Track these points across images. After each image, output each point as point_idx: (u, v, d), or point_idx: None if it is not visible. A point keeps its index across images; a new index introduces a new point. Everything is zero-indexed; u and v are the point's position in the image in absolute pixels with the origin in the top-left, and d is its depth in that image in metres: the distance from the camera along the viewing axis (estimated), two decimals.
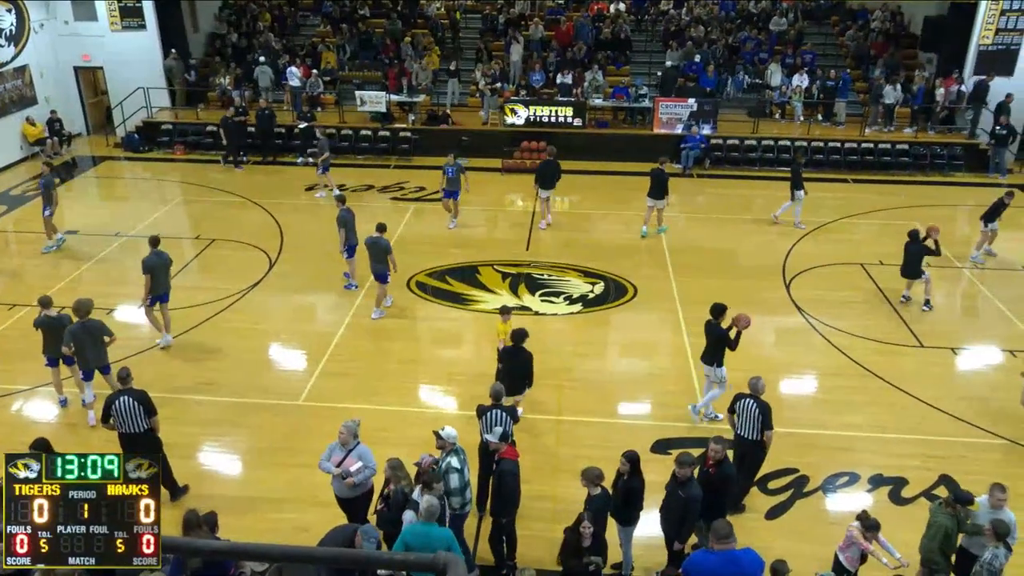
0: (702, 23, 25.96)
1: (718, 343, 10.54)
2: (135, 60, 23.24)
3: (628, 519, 8.12)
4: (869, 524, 7.56)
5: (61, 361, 10.95)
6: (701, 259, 16.03)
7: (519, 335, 10.20)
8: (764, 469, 9.96)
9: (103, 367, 10.79)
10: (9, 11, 21.46)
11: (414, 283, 14.82)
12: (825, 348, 12.91)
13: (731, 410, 9.14)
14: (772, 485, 9.81)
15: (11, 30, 21.59)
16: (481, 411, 8.75)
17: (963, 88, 21.89)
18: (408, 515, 7.22)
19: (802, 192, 17.14)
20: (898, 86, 22.28)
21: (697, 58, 23.81)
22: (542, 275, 15.32)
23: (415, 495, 7.42)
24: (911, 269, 13.96)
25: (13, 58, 21.74)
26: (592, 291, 14.76)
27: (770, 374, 12.04)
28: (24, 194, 19.78)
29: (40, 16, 22.62)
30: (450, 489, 7.82)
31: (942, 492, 9.44)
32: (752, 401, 8.86)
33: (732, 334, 10.41)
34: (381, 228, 13.45)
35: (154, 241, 12.69)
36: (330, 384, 11.81)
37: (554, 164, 17.36)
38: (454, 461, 7.91)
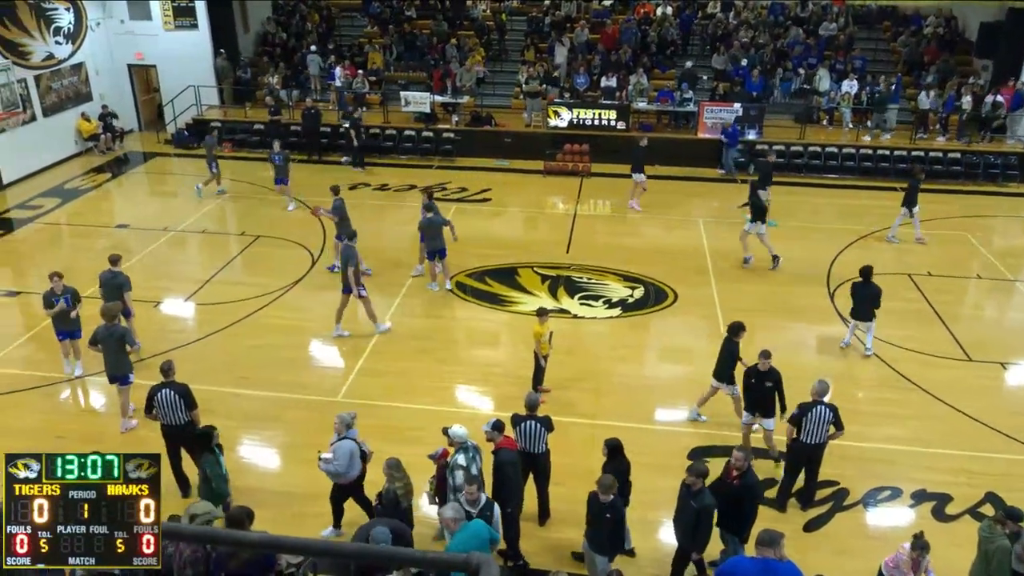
0: (750, 26, 25.66)
1: (730, 360, 10.42)
2: (187, 58, 23.75)
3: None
4: (919, 544, 7.18)
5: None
6: (743, 265, 15.81)
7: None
8: (802, 481, 9.84)
9: (123, 378, 10.60)
10: (68, 10, 22.06)
11: (454, 283, 14.88)
12: (869, 359, 12.65)
13: (797, 421, 9.00)
14: (818, 495, 9.63)
15: (69, 28, 22.20)
16: (516, 421, 8.74)
17: (999, 98, 21.33)
18: (448, 511, 7.17)
19: (916, 208, 16.54)
20: (932, 93, 21.80)
21: (744, 62, 23.54)
22: (582, 278, 15.27)
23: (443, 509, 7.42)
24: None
25: (70, 55, 22.35)
26: (632, 295, 14.67)
27: (811, 383, 11.88)
28: (78, 188, 20.31)
29: (97, 15, 23.23)
30: (455, 486, 7.93)
31: (988, 511, 9.19)
32: (823, 407, 8.94)
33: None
34: (428, 207, 14.32)
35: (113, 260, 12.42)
36: (368, 382, 11.91)
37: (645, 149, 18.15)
38: (460, 459, 8.01)
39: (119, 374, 10.62)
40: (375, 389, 11.68)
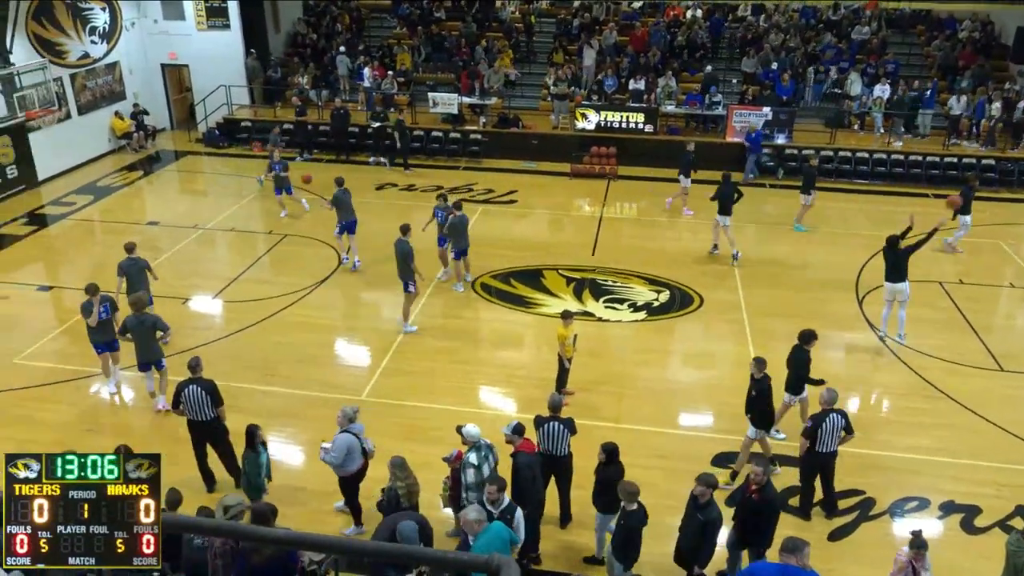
0: (780, 30, 25.45)
1: (801, 370, 10.15)
2: (218, 58, 24.02)
3: (605, 507, 8.22)
4: (917, 543, 7.09)
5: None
6: (771, 270, 15.69)
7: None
8: None
9: (156, 362, 11.05)
10: (103, 10, 22.42)
11: (479, 284, 14.91)
12: (896, 367, 12.49)
13: (812, 434, 8.88)
14: (841, 504, 9.52)
15: (104, 28, 22.56)
16: (539, 422, 8.73)
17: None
18: (472, 513, 7.17)
19: (968, 218, 16.36)
20: (963, 98, 21.45)
21: (774, 66, 23.35)
22: (607, 281, 15.23)
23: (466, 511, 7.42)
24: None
25: (105, 55, 22.71)
26: (657, 299, 14.60)
27: (839, 392, 11.74)
28: (111, 185, 20.62)
29: (132, 15, 23.58)
30: (467, 484, 8.01)
31: (1018, 523, 9.03)
32: (836, 415, 8.87)
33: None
34: (457, 206, 14.60)
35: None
36: (392, 381, 11.97)
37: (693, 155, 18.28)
38: (472, 457, 8.06)
39: (153, 359, 11.03)
40: (399, 388, 11.73)
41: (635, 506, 7.47)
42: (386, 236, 15.85)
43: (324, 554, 6.95)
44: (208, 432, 9.43)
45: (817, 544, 8.82)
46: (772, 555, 8.01)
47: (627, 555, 7.66)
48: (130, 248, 12.55)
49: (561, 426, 8.61)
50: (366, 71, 23.92)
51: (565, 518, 9.14)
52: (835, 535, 9.14)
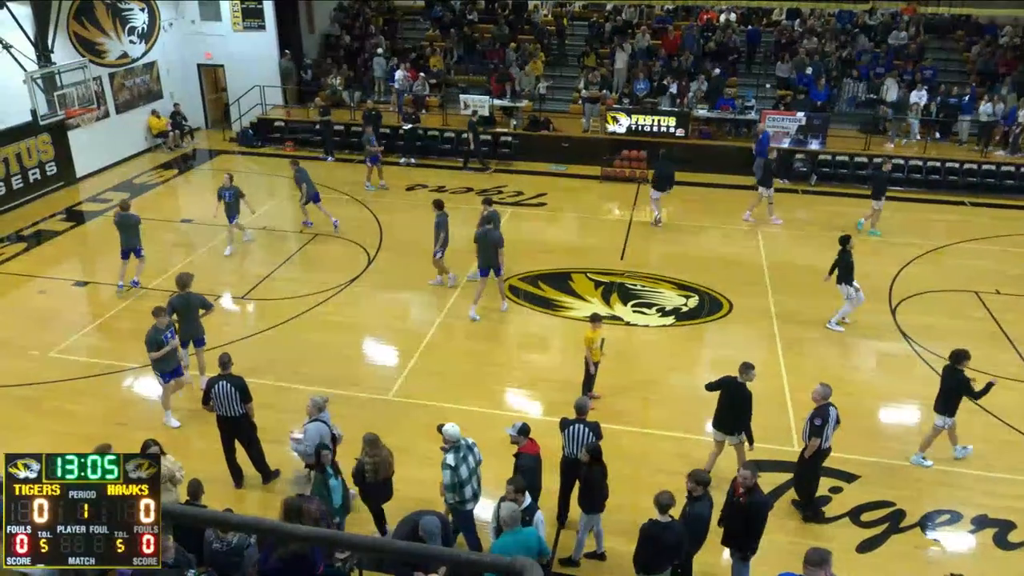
0: (815, 34, 25.17)
1: (957, 392, 9.76)
2: (253, 59, 24.32)
3: (589, 507, 8.23)
4: None
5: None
6: (802, 277, 15.49)
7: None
8: (857, 500, 9.63)
9: (197, 339, 11.62)
10: (142, 10, 22.79)
11: (507, 287, 14.91)
12: (929, 378, 12.24)
13: (821, 432, 8.92)
14: (866, 517, 9.40)
15: (143, 28, 22.93)
16: (564, 424, 8.72)
17: None
18: (505, 510, 7.13)
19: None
20: (997, 104, 21.07)
21: (809, 70, 23.10)
22: (635, 285, 15.16)
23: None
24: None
25: (143, 55, 23.08)
26: (686, 304, 14.50)
27: (869, 401, 11.63)
28: (147, 183, 20.94)
29: (169, 16, 23.94)
30: (444, 485, 8.11)
31: None
32: (834, 408, 8.99)
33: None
34: (488, 202, 14.75)
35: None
36: (419, 381, 12.01)
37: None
38: (449, 458, 8.08)
39: (197, 336, 11.62)
40: (426, 389, 11.77)
41: (667, 519, 7.32)
42: (414, 234, 15.95)
43: (348, 552, 6.98)
44: (236, 428, 9.53)
45: (845, 555, 8.73)
46: (758, 560, 7.98)
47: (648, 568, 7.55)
48: (125, 206, 14.67)
49: (586, 429, 8.57)
50: (398, 73, 24.06)
51: None
52: (863, 547, 9.00)
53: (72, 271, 16.06)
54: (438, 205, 14.60)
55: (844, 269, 13.21)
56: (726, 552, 8.21)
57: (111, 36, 21.79)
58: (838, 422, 9.06)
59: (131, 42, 22.57)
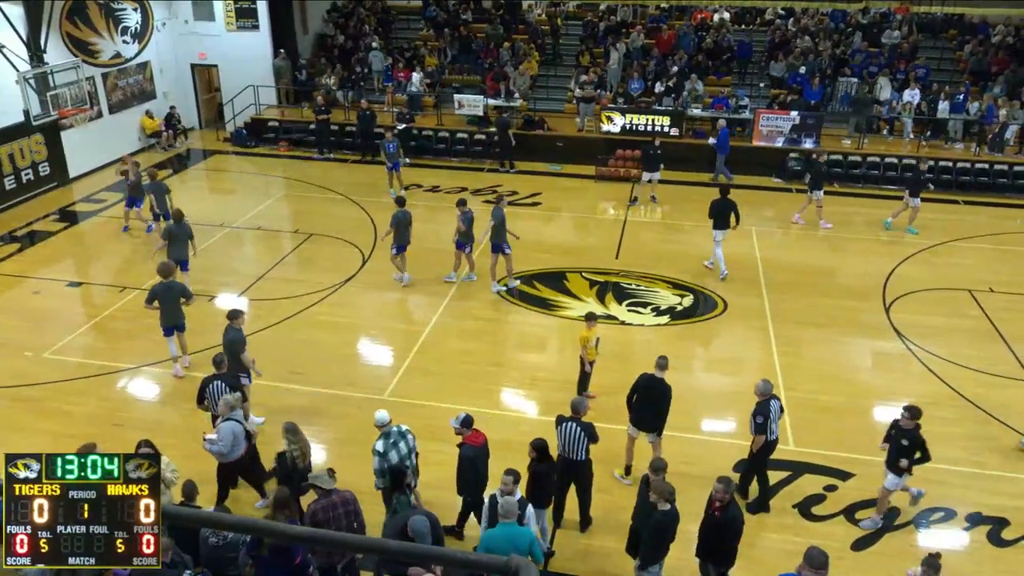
0: (809, 34, 25.23)
1: (908, 450, 8.96)
2: (247, 59, 24.27)
3: (534, 501, 8.23)
4: (932, 564, 6.95)
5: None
6: (796, 276, 15.56)
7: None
8: (852, 498, 9.65)
9: (178, 325, 11.86)
10: (135, 10, 22.73)
11: (502, 286, 14.91)
12: (924, 376, 12.33)
13: (764, 428, 9.07)
14: (860, 515, 9.43)
15: (136, 28, 22.87)
16: (558, 421, 8.74)
17: None
18: (507, 504, 7.19)
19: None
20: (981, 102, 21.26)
21: (802, 70, 23.15)
22: (630, 285, 15.18)
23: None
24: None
25: (137, 55, 23.02)
26: (681, 303, 14.53)
27: (864, 400, 11.67)
28: (141, 183, 20.84)
29: (163, 15, 23.88)
30: (374, 470, 8.28)
31: None
32: (776, 401, 9.16)
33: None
34: (499, 199, 15.38)
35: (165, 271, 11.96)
36: (415, 381, 12.01)
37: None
38: (379, 445, 8.28)
39: (179, 323, 11.86)
40: (421, 388, 11.77)
41: (668, 506, 7.47)
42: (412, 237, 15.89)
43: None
44: None
45: (840, 553, 8.75)
46: (754, 559, 8.00)
47: (654, 554, 7.63)
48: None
49: (578, 428, 8.57)
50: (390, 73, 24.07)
51: (585, 522, 9.12)
52: (858, 544, 9.04)
53: (66, 272, 16.01)
54: (461, 203, 14.70)
55: (719, 216, 15.24)
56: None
57: (104, 36, 21.73)
58: (782, 411, 9.33)
59: (124, 42, 22.51)
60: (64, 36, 20.23)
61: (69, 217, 18.76)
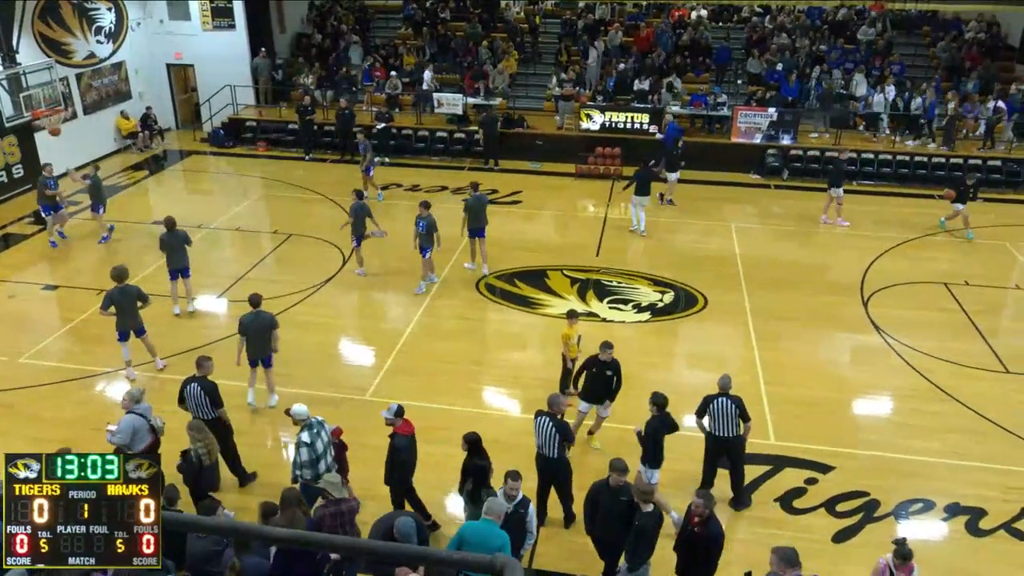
0: (786, 31, 25.41)
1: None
2: (224, 58, 24.05)
3: (473, 498, 8.27)
4: (903, 553, 7.01)
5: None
6: (775, 272, 15.67)
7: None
8: (833, 491, 9.73)
9: (137, 329, 11.73)
10: (109, 10, 22.48)
11: (483, 285, 14.91)
12: (903, 369, 12.46)
13: (701, 413, 9.21)
14: (841, 508, 9.52)
15: (110, 28, 22.62)
16: (536, 415, 8.75)
17: (1000, 104, 21.06)
18: (494, 503, 7.18)
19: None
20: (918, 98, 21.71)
21: (779, 66, 23.31)
22: (611, 282, 15.22)
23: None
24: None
25: (111, 55, 22.76)
26: (661, 300, 14.59)
27: (844, 394, 11.78)
28: (116, 184, 20.65)
29: (137, 15, 23.63)
30: (301, 463, 8.42)
31: (1023, 526, 9.01)
32: (727, 399, 9.08)
33: None
34: (475, 186, 15.61)
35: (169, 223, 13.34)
36: (397, 381, 11.97)
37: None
38: (304, 436, 8.46)
39: (137, 327, 11.71)
40: (404, 388, 11.72)
41: (650, 507, 7.46)
42: (392, 236, 15.87)
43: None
44: (210, 430, 9.40)
45: (821, 545, 8.84)
46: (740, 554, 8.05)
47: (639, 555, 7.64)
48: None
49: (551, 425, 8.55)
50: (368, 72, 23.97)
51: (569, 518, 9.14)
52: (839, 537, 9.12)
53: (41, 275, 15.80)
54: (425, 205, 14.44)
55: (641, 184, 16.75)
56: None
57: (78, 36, 21.47)
58: (743, 418, 9.09)
59: (98, 42, 22.26)
60: (37, 36, 19.96)
61: (44, 220, 18.46)
